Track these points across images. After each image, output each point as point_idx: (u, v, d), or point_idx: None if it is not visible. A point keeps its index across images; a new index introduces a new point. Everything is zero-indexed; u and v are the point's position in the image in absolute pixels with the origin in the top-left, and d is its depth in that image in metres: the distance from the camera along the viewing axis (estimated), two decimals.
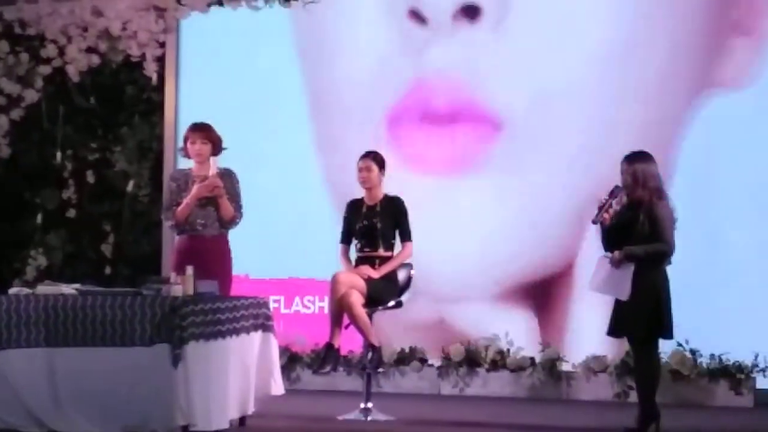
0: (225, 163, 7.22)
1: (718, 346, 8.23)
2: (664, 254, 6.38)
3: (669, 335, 6.53)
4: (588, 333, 8.44)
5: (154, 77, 9.94)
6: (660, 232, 6.35)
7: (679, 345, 8.04)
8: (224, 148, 7.23)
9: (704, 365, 8.24)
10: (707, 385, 8.25)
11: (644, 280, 6.35)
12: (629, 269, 6.38)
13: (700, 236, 7.77)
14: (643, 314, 6.39)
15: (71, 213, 10.17)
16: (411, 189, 8.03)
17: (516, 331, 8.84)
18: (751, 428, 7.02)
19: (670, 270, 6.47)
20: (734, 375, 8.19)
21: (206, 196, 7.05)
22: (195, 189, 7.04)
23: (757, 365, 8.18)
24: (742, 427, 7.04)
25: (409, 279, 7.47)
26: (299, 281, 9.48)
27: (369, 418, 7.07)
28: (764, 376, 8.18)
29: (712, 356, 8.24)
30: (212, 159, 7.14)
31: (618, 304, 6.47)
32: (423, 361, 8.99)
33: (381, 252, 7.29)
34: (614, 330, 6.56)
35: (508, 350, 8.79)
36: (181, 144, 7.49)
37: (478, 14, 8.91)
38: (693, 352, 8.23)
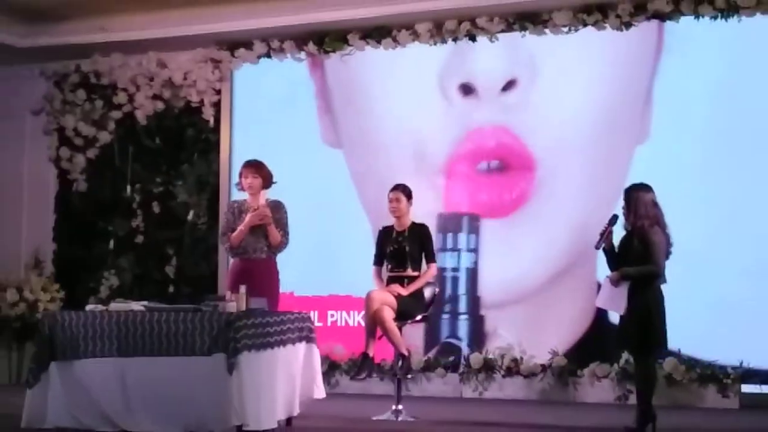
0: (275, 195, 7.24)
1: (707, 354, 8.19)
2: (654, 275, 6.33)
3: (663, 346, 6.50)
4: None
5: (211, 120, 10.02)
6: (651, 255, 6.33)
7: (673, 353, 8.00)
8: (274, 182, 7.24)
9: (695, 371, 8.18)
10: (698, 389, 8.18)
11: (638, 297, 6.31)
12: (625, 288, 6.38)
13: (693, 259, 7.71)
14: (637, 327, 6.38)
15: (139, 239, 10.19)
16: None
17: (529, 341, 8.82)
18: (737, 428, 6.96)
19: (668, 286, 6.44)
20: (722, 380, 8.12)
21: (257, 224, 7.06)
22: (247, 218, 7.05)
23: (742, 370, 8.09)
24: (729, 427, 6.98)
25: (433, 296, 7.45)
26: (338, 298, 9.47)
27: (399, 419, 7.05)
28: (749, 381, 8.11)
29: (702, 363, 8.18)
30: (263, 191, 7.17)
31: (621, 318, 6.46)
32: (446, 368, 8.97)
33: (409, 272, 7.27)
34: (618, 341, 6.56)
35: (522, 358, 8.76)
36: (235, 178, 7.49)
37: (515, 84, 9.06)
38: (685, 359, 8.16)
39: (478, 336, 9.06)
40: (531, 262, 9.01)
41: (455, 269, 9.22)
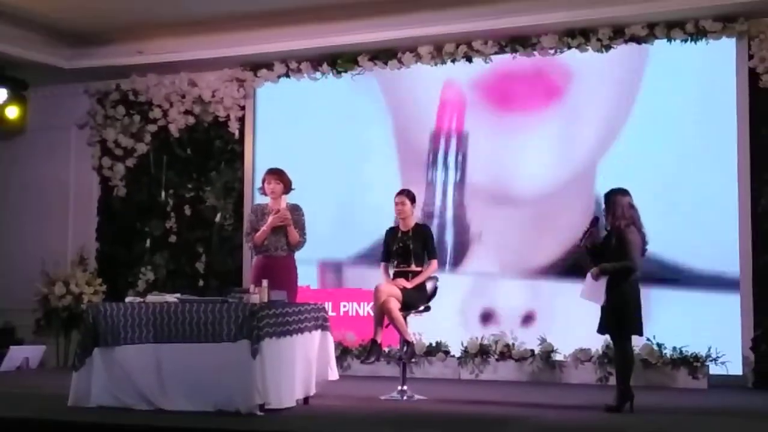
0: (293, 199, 7.28)
1: (679, 340, 8.19)
2: (630, 270, 6.34)
3: (638, 333, 6.51)
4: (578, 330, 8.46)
5: (236, 133, 10.04)
6: (627, 253, 6.35)
7: (648, 340, 7.98)
8: (293, 188, 7.28)
9: (668, 355, 8.19)
10: (670, 371, 8.18)
11: (615, 289, 6.34)
12: (604, 281, 6.41)
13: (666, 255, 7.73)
14: (615, 316, 6.41)
15: (172, 238, 10.20)
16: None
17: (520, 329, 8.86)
18: (705, 406, 6.92)
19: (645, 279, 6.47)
20: (692, 363, 8.13)
21: (278, 225, 7.11)
22: (270, 219, 7.08)
23: (710, 355, 8.13)
24: (698, 405, 6.94)
25: (435, 289, 7.44)
26: (350, 290, 9.52)
27: (405, 398, 7.05)
28: (715, 364, 8.10)
29: (674, 348, 8.19)
30: (283, 196, 7.20)
31: (602, 308, 6.48)
32: (446, 353, 8.99)
33: (413, 267, 7.28)
34: (599, 328, 6.59)
35: (513, 344, 8.79)
36: (258, 184, 7.54)
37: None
38: (659, 345, 8.17)
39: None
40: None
41: None
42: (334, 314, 9.04)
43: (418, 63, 9.32)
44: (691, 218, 8.28)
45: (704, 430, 5.81)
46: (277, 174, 7.24)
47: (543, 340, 8.66)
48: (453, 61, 9.18)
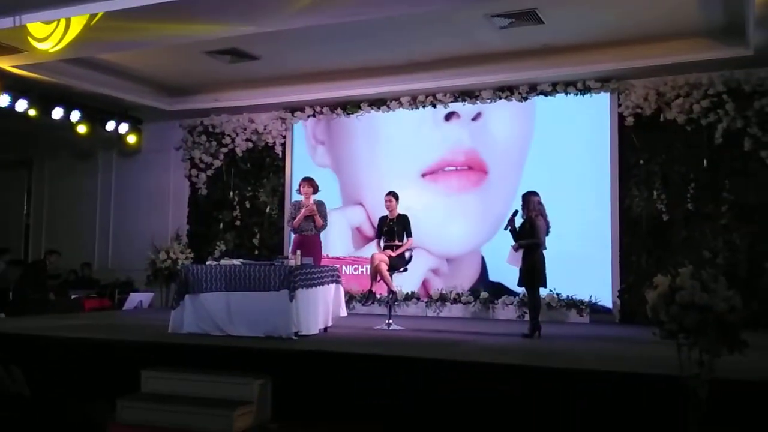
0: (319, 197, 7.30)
1: (570, 290, 8.23)
2: (537, 245, 6.39)
3: (544, 286, 6.56)
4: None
5: (280, 153, 9.99)
6: (535, 234, 6.39)
7: (550, 290, 8.03)
8: (319, 190, 7.28)
9: (563, 301, 8.22)
10: (565, 311, 8.21)
11: (528, 258, 6.39)
12: (521, 252, 6.44)
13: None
14: (528, 275, 6.44)
15: (237, 223, 10.14)
16: (434, 202, 8.12)
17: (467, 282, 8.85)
18: (587, 334, 6.93)
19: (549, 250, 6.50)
20: (578, 306, 8.17)
21: (309, 215, 7.13)
22: (303, 211, 7.12)
23: (591, 301, 8.16)
24: (583, 333, 6.95)
25: (410, 257, 7.48)
26: (355, 258, 9.46)
27: (390, 328, 7.07)
28: (594, 306, 8.15)
29: (567, 296, 8.22)
30: (313, 196, 7.23)
31: (519, 270, 6.51)
32: (417, 298, 8.98)
33: (396, 242, 7.30)
34: (518, 283, 6.60)
35: (462, 292, 8.78)
36: (295, 187, 7.55)
37: (480, 116, 8.93)
38: (557, 294, 8.19)
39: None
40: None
41: None
42: (345, 273, 8.97)
43: (400, 108, 9.27)
44: (576, 212, 8.19)
45: (587, 348, 5.83)
46: (309, 181, 7.27)
47: (482, 291, 8.68)
48: (423, 106, 9.13)
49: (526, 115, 8.79)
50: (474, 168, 8.91)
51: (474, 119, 8.95)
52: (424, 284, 9.03)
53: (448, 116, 9.04)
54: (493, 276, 8.74)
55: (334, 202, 9.25)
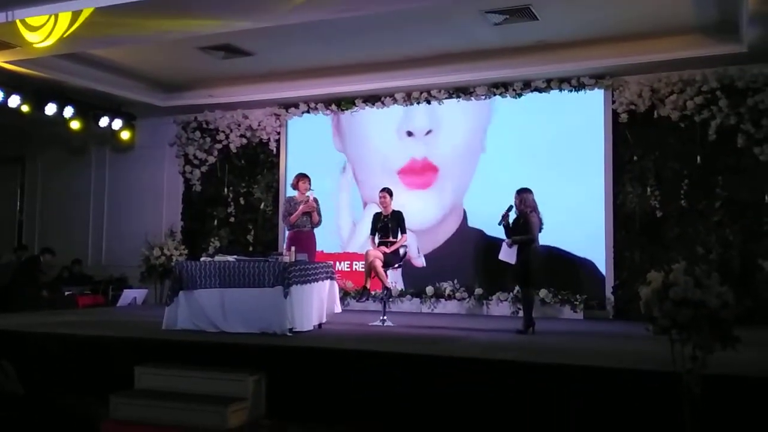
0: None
1: (564, 286, 8.21)
2: (531, 241, 6.39)
3: (535, 285, 6.58)
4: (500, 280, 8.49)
5: (274, 150, 9.96)
6: (529, 230, 6.40)
7: (550, 289, 8.05)
8: (312, 189, 7.29)
9: (558, 297, 8.18)
10: (559, 307, 8.14)
11: (522, 253, 6.39)
12: (515, 248, 6.44)
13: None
14: (522, 271, 6.45)
15: (231, 219, 10.13)
16: (406, 196, 8.06)
17: (462, 278, 8.81)
18: (581, 329, 6.92)
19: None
20: (573, 302, 8.12)
21: (306, 212, 7.13)
22: (301, 207, 7.13)
23: (585, 297, 8.13)
24: (577, 329, 6.95)
25: (405, 253, 7.46)
26: (349, 254, 9.43)
27: (384, 324, 7.06)
28: (588, 303, 8.13)
29: (561, 292, 8.19)
30: (308, 192, 7.22)
31: (513, 266, 6.52)
32: (413, 294, 8.92)
33: (391, 239, 7.29)
34: (512, 280, 6.62)
35: (456, 289, 8.77)
36: (289, 184, 7.56)
37: (432, 131, 9.04)
38: (552, 290, 8.15)
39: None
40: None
41: None
42: (339, 269, 8.97)
43: (394, 104, 9.26)
44: (570, 208, 8.19)
45: (581, 344, 5.84)
46: (307, 177, 7.30)
47: (477, 286, 8.67)
48: (418, 103, 9.13)
49: (480, 118, 8.90)
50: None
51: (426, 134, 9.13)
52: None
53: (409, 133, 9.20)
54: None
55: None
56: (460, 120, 9.00)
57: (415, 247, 8.80)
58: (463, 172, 8.98)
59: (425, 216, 9.03)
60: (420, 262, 9.03)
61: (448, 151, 9.05)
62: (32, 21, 7.05)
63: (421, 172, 9.14)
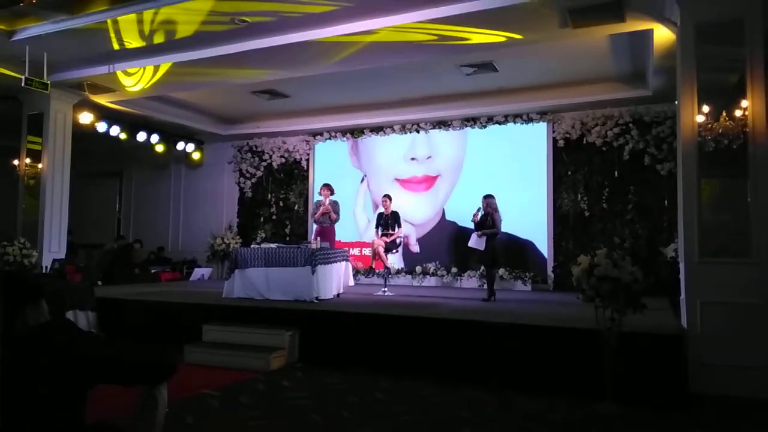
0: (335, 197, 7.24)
1: (517, 266, 8.16)
2: (495, 234, 6.37)
3: (499, 266, 6.54)
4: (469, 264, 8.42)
5: (305, 166, 9.89)
6: (495, 225, 6.37)
7: (505, 268, 8.00)
8: (334, 193, 7.25)
9: (513, 274, 8.08)
10: (513, 281, 8.06)
11: (488, 243, 6.37)
12: (484, 238, 6.42)
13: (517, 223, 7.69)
14: (488, 257, 6.42)
15: (273, 217, 10.06)
16: (406, 198, 8.02)
17: (442, 260, 8.76)
18: (530, 298, 6.79)
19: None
20: (523, 278, 8.03)
21: (327, 211, 7.10)
22: (321, 209, 7.09)
23: (533, 274, 8.07)
24: (527, 298, 6.81)
25: (401, 242, 7.42)
26: (360, 243, 9.33)
27: (385, 294, 7.01)
28: (534, 279, 8.04)
29: (515, 270, 8.11)
30: (330, 197, 7.20)
31: (481, 252, 6.50)
32: (406, 272, 8.87)
33: (390, 231, 7.25)
34: (479, 261, 6.57)
35: (438, 269, 8.73)
36: (317, 191, 7.52)
37: (432, 156, 8.92)
38: (509, 269, 8.11)
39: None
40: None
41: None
42: (352, 253, 8.78)
43: (393, 134, 9.22)
44: (522, 210, 8.15)
45: (529, 309, 5.82)
46: (328, 186, 7.26)
47: (453, 267, 8.63)
48: (410, 132, 9.08)
49: (460, 144, 8.77)
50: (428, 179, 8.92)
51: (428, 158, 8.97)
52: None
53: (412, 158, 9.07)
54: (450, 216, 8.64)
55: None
56: (449, 146, 8.90)
57: (414, 237, 8.78)
58: (449, 183, 8.87)
59: (424, 213, 8.92)
60: (416, 248, 9.00)
61: (441, 168, 8.93)
62: (126, 77, 7.08)
63: (420, 183, 9.03)
